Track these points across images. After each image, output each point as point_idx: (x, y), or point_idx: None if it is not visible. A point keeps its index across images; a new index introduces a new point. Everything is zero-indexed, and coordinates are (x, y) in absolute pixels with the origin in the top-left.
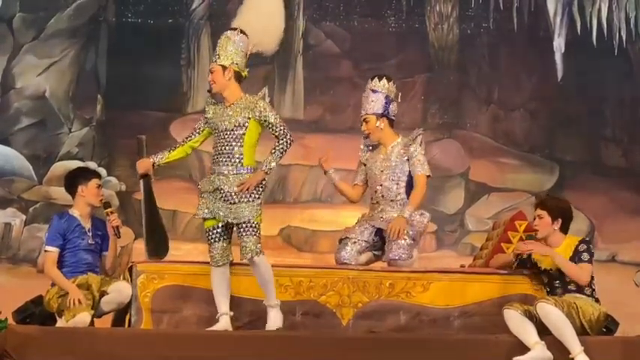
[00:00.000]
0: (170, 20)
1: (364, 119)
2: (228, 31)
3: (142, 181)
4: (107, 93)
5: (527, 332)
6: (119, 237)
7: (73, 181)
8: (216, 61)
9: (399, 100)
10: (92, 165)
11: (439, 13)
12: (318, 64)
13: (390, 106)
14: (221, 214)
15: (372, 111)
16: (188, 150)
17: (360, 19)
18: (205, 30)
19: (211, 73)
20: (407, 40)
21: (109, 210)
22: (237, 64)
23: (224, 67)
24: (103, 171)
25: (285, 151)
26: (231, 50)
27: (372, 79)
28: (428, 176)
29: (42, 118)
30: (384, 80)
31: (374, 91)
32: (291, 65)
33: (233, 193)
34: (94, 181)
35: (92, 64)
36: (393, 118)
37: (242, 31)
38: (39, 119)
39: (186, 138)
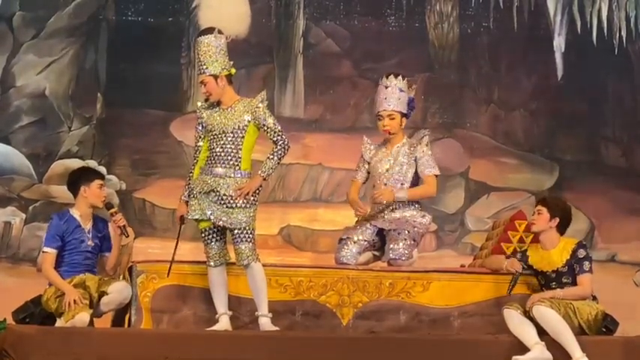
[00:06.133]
0: (170, 19)
1: (389, 115)
2: (205, 37)
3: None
4: (107, 91)
5: (526, 332)
6: (127, 236)
7: (75, 181)
8: (204, 72)
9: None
10: (92, 163)
11: (439, 12)
12: (319, 63)
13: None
14: (216, 216)
15: (398, 108)
16: (203, 165)
17: (360, 18)
18: None
19: (203, 84)
20: (407, 40)
21: (113, 210)
22: (225, 68)
23: (215, 77)
24: (102, 169)
25: (283, 157)
26: (216, 57)
27: (396, 77)
28: (436, 175)
29: (42, 117)
30: (405, 81)
31: (401, 90)
32: (292, 64)
33: (229, 197)
34: (97, 182)
35: (92, 62)
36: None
37: (218, 30)
38: (39, 117)
39: (196, 154)
